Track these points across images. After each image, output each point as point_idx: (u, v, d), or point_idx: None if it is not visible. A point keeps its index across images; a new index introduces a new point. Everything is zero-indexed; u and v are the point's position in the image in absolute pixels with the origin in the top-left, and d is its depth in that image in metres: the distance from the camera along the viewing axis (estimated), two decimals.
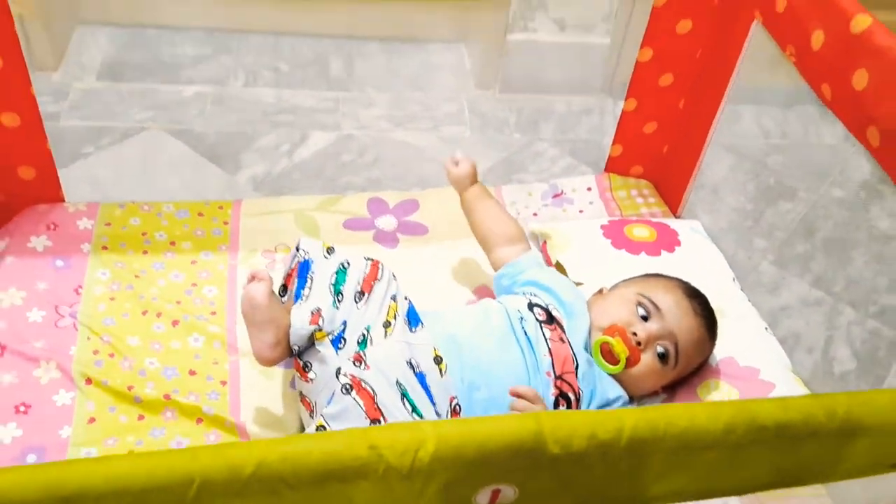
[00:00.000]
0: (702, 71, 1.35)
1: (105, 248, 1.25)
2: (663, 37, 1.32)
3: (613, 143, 1.50)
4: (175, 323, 1.16)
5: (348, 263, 1.06)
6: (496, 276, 1.18)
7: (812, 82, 1.07)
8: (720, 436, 0.57)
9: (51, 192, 1.30)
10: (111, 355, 1.10)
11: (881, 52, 0.95)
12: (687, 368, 1.07)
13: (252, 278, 0.99)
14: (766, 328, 1.23)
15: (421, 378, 0.96)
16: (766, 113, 2.15)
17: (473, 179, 1.25)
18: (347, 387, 0.93)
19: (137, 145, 1.76)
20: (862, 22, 0.98)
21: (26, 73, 1.15)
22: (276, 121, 1.89)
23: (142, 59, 1.99)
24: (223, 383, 1.10)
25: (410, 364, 0.96)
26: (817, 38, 1.05)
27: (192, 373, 1.11)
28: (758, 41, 1.25)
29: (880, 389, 0.59)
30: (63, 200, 1.32)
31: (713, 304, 1.16)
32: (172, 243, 1.28)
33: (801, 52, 1.09)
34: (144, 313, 1.17)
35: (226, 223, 1.33)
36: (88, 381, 1.06)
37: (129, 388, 1.06)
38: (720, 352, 1.14)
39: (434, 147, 1.89)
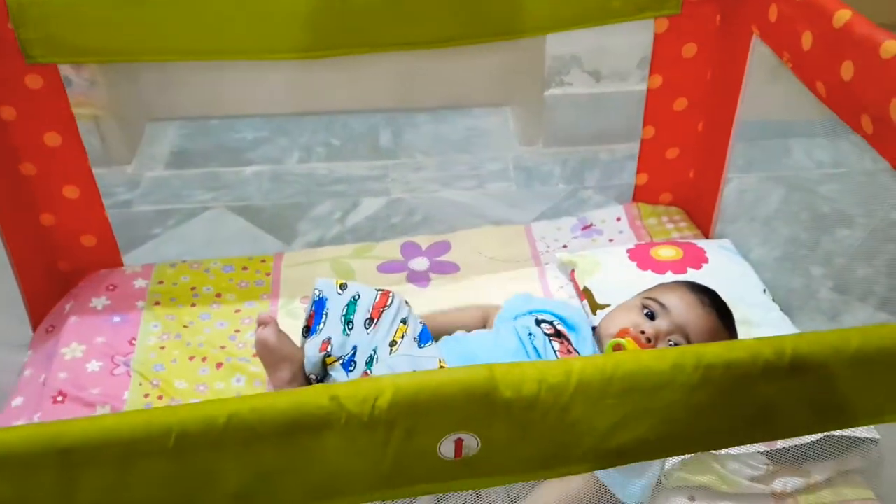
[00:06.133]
0: (714, 92, 1.38)
1: (157, 303, 1.35)
2: (670, 62, 1.37)
3: (638, 171, 1.53)
4: (219, 366, 1.24)
5: (359, 295, 1.13)
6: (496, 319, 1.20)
7: (807, 82, 1.09)
8: (668, 375, 0.58)
9: (111, 258, 1.43)
10: (160, 398, 1.18)
11: (862, 41, 0.96)
12: None
13: (260, 324, 1.08)
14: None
15: None
16: (816, 144, 2.13)
17: None
18: None
19: (201, 223, 1.89)
20: (843, 16, 1.00)
21: (83, 148, 1.29)
22: (329, 191, 1.99)
23: (206, 147, 2.15)
24: None
25: None
26: (807, 40, 1.08)
27: None
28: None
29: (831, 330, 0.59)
30: (122, 265, 1.44)
31: (742, 315, 1.16)
32: (218, 295, 1.37)
33: (795, 56, 1.11)
34: (191, 359, 1.25)
35: (268, 274, 1.42)
36: None
37: None
38: None
39: (481, 203, 1.95)
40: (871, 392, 0.64)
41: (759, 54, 1.24)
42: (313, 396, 0.57)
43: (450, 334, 1.22)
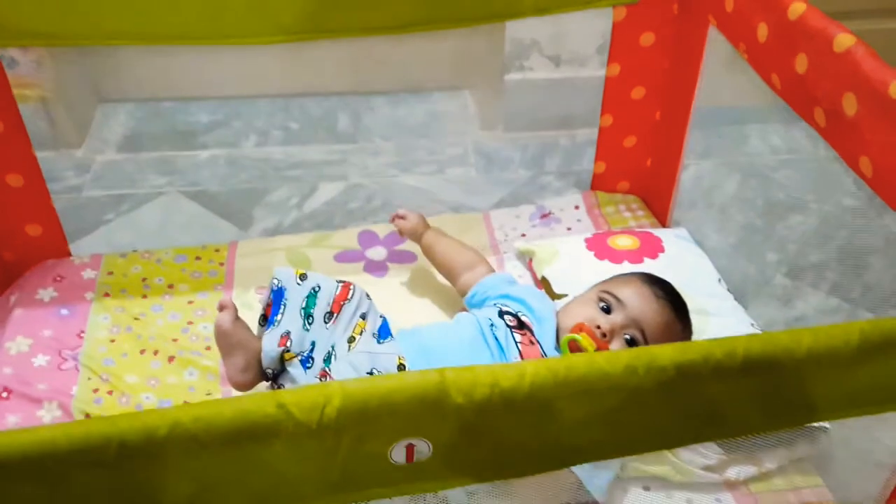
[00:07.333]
0: (671, 81, 1.38)
1: (107, 294, 1.32)
2: (628, 51, 1.36)
3: (596, 160, 1.53)
4: (171, 359, 1.21)
5: (319, 287, 1.11)
6: (467, 297, 1.22)
7: (763, 73, 1.09)
8: (621, 378, 0.58)
9: (57, 247, 1.39)
10: (109, 393, 1.16)
11: (815, 34, 0.97)
12: None
13: (220, 308, 1.06)
14: (752, 324, 1.22)
15: None
16: (772, 131, 2.14)
17: (425, 227, 1.31)
18: None
19: (155, 209, 1.85)
20: (797, 9, 1.00)
21: (26, 135, 1.24)
22: (286, 176, 1.96)
23: (159, 130, 2.10)
24: None
25: (371, 374, 0.99)
26: (762, 31, 1.08)
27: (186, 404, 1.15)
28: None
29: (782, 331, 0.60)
30: (69, 255, 1.40)
31: (697, 305, 1.17)
32: (170, 286, 1.35)
33: (751, 47, 1.11)
34: (142, 352, 1.22)
35: (221, 264, 1.40)
36: (87, 416, 1.11)
37: None
38: None
39: (441, 188, 1.93)
40: (823, 391, 0.65)
41: (716, 43, 1.25)
42: (259, 404, 0.55)
43: (440, 266, 1.26)
